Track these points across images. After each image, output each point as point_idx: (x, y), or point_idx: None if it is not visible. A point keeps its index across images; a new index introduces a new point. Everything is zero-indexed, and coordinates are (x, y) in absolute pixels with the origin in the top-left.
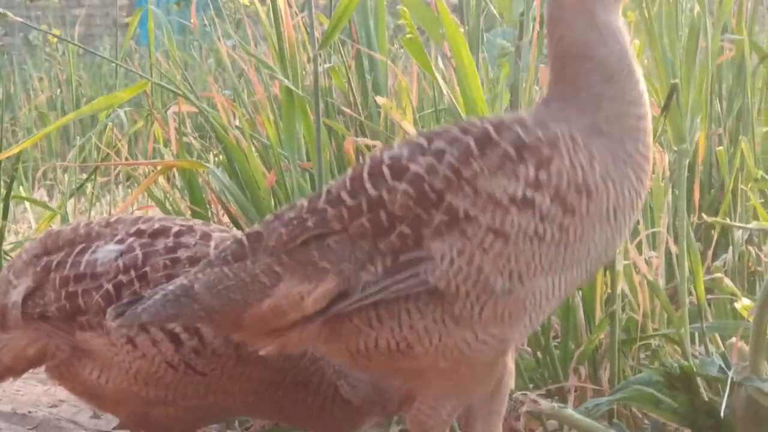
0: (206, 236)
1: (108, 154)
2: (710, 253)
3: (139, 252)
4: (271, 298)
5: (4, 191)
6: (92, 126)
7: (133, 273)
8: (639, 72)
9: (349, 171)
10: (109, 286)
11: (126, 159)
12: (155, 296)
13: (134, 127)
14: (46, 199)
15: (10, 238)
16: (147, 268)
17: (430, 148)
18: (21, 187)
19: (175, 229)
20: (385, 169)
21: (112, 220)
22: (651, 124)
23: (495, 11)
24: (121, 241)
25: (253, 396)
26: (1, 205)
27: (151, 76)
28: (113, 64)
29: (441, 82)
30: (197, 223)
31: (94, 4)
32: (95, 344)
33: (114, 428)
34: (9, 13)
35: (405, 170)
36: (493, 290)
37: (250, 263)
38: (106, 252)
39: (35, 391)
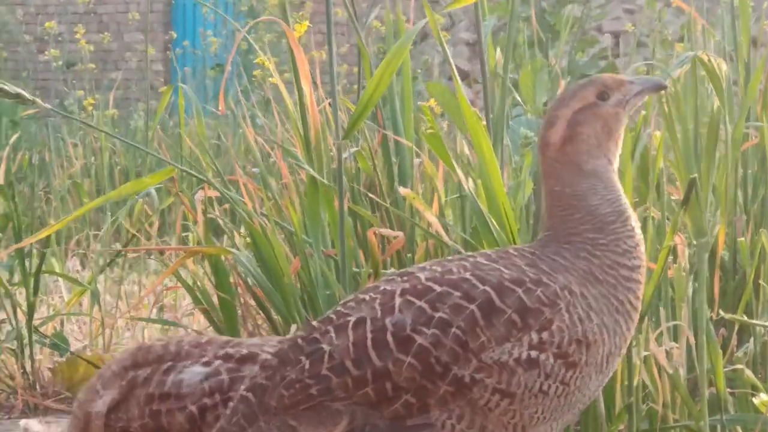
0: None
1: (136, 233)
2: (734, 340)
3: (225, 376)
4: None
5: (36, 262)
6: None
7: (218, 397)
8: (634, 220)
9: (351, 334)
10: (193, 408)
11: (157, 231)
12: None
13: (164, 203)
14: (78, 268)
15: (42, 310)
16: (232, 393)
17: (435, 316)
18: (53, 257)
19: (263, 357)
20: (390, 339)
21: (203, 340)
22: (644, 275)
23: (519, 99)
24: (207, 364)
25: None
26: (32, 280)
27: (181, 161)
28: (147, 133)
29: (461, 174)
30: None
31: (130, 68)
32: None
33: None
34: (38, 100)
35: (411, 342)
36: None
37: (264, 423)
38: (192, 373)
39: None
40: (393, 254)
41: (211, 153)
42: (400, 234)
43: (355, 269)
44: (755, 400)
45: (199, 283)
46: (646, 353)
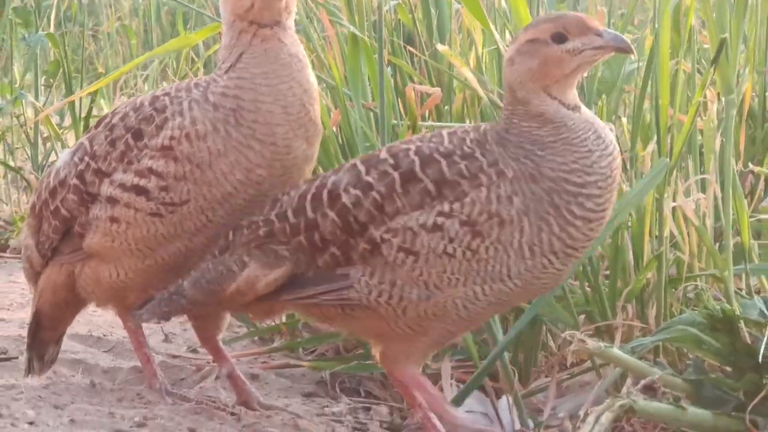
0: (133, 102)
1: (187, 74)
2: (760, 189)
3: (84, 141)
4: (235, 283)
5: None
6: (172, 35)
7: (87, 159)
8: (606, 150)
9: (302, 186)
10: (74, 181)
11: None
12: (158, 297)
13: (210, 50)
14: None
15: None
16: (95, 148)
17: (363, 180)
18: (102, 98)
19: (114, 111)
20: (325, 195)
21: None
22: (601, 194)
23: None
24: (72, 146)
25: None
26: (82, 125)
27: None
28: None
29: (495, 33)
30: (136, 99)
31: None
32: (96, 244)
33: (185, 351)
34: None
35: (338, 199)
36: (410, 298)
37: (228, 255)
38: (62, 158)
39: (111, 314)
40: (430, 108)
41: None
42: (437, 90)
43: (393, 122)
44: None
45: None
46: (674, 204)
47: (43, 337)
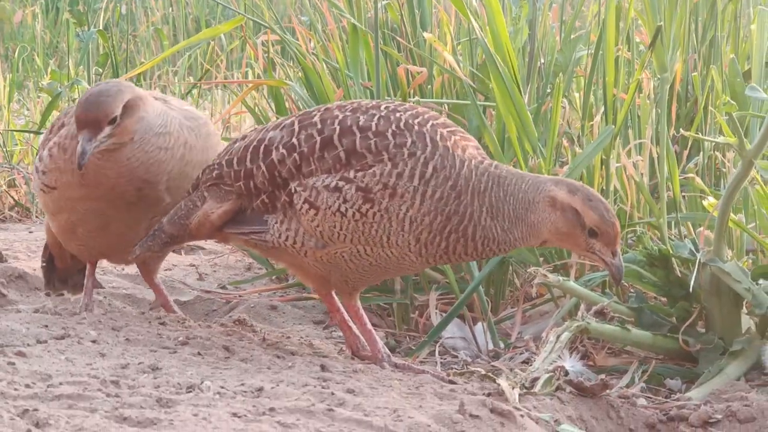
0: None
1: (209, 69)
2: (686, 154)
3: (56, 122)
4: (197, 216)
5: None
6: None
7: (48, 133)
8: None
9: (251, 136)
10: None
11: (225, 68)
12: (146, 235)
13: (230, 45)
14: None
15: None
16: (52, 126)
17: (291, 140)
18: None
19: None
20: (262, 148)
21: None
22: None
23: None
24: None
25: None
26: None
27: (245, 10)
28: None
29: (473, 20)
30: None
31: None
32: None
33: (216, 288)
34: None
35: (269, 154)
36: (309, 245)
37: (192, 191)
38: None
39: None
40: (416, 86)
41: (268, 3)
42: (424, 70)
43: (387, 98)
44: (704, 202)
45: (260, 109)
46: (617, 165)
47: (57, 264)
